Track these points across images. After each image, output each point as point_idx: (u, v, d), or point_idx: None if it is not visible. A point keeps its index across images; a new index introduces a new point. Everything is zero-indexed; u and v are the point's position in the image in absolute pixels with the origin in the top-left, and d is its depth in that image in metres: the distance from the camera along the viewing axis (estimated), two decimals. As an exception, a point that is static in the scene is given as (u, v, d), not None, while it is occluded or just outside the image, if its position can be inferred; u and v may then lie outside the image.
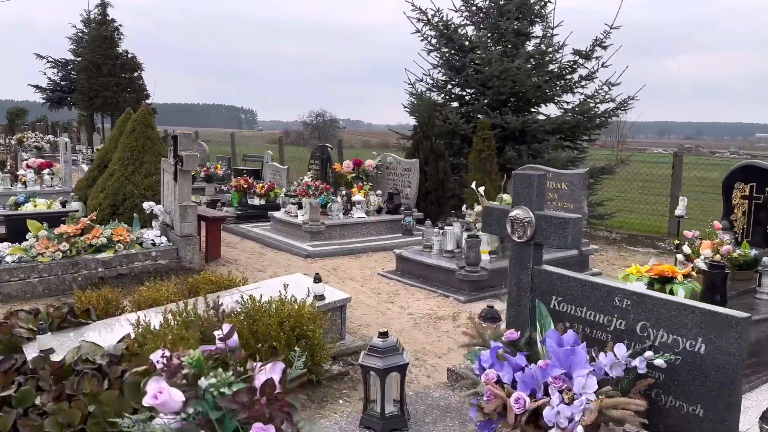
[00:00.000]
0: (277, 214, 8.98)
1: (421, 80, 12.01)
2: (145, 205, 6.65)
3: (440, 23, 11.71)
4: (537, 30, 12.06)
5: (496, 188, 9.66)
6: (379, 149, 18.30)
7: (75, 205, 8.33)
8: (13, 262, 5.65)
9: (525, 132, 10.90)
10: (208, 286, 4.82)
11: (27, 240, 5.85)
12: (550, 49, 11.36)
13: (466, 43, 11.40)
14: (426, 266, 6.28)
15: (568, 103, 11.87)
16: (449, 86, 12.18)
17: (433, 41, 11.63)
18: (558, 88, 11.82)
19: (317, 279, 4.47)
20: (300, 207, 8.73)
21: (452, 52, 11.58)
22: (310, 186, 8.39)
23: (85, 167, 10.14)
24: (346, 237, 8.47)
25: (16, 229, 6.84)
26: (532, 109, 11.67)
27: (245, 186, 10.05)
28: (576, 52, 11.61)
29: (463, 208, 6.80)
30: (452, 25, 11.64)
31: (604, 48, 11.47)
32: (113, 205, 7.50)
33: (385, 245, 8.20)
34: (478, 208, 6.65)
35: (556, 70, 11.69)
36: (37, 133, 26.63)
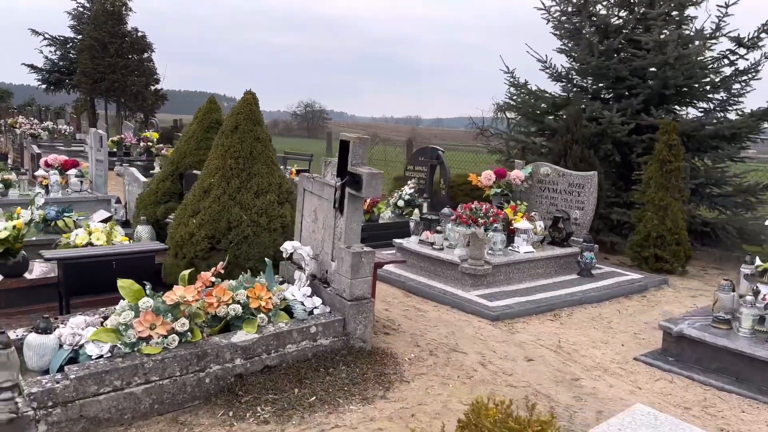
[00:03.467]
0: (408, 244, 6.62)
1: (546, 68, 9.71)
2: (287, 245, 4.25)
3: (575, -2, 9.42)
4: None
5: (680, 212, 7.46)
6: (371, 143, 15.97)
7: (141, 231, 5.90)
8: (101, 357, 3.26)
9: (690, 137, 8.68)
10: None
11: (117, 314, 3.44)
12: (717, 33, 9.10)
13: (613, 21, 9.11)
14: (740, 357, 4.00)
15: (723, 102, 9.67)
16: (572, 75, 9.91)
17: (572, 19, 9.31)
18: (707, 83, 9.64)
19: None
20: (441, 234, 6.39)
21: (591, 31, 9.28)
22: (477, 210, 6.00)
23: (138, 174, 7.67)
24: (511, 281, 6.15)
25: (77, 279, 4.42)
26: (690, 109, 9.45)
27: (347, 200, 7.64)
28: (734, 40, 9.42)
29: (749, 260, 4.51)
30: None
31: (774, 36, 9.29)
32: (211, 237, 5.09)
33: (580, 296, 5.88)
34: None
35: (713, 60, 9.48)
36: (32, 118, 23.72)
